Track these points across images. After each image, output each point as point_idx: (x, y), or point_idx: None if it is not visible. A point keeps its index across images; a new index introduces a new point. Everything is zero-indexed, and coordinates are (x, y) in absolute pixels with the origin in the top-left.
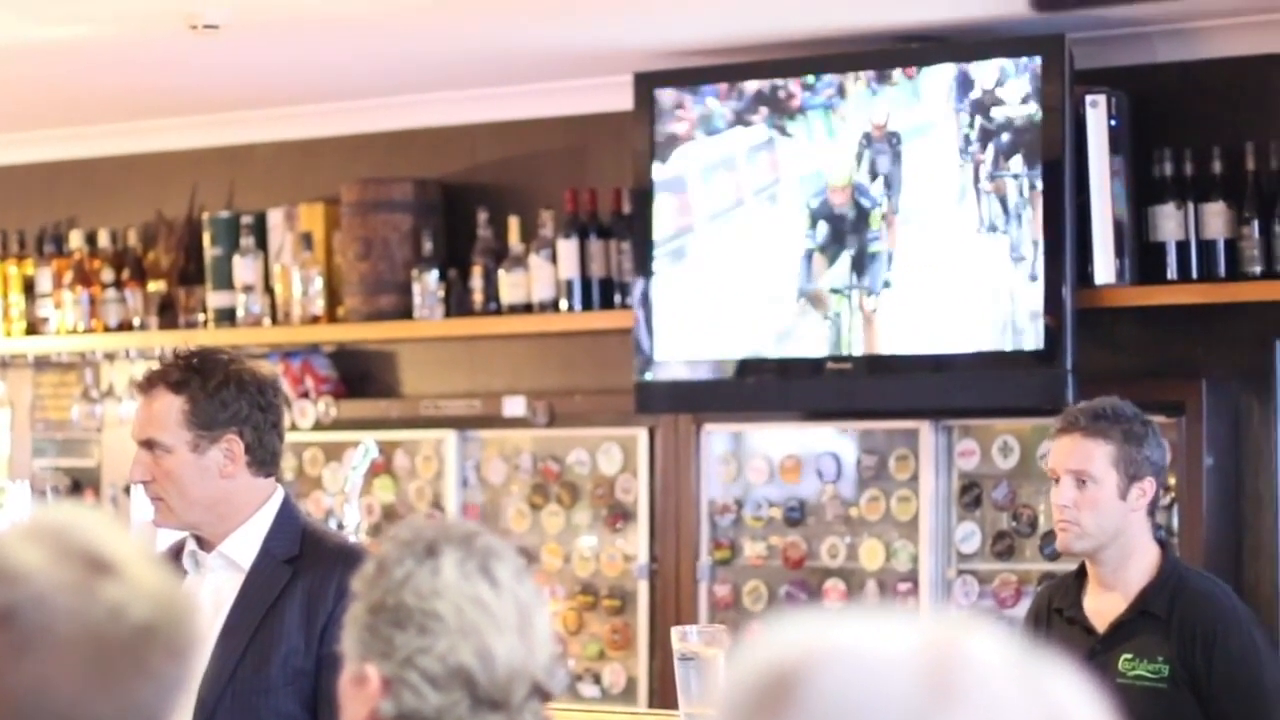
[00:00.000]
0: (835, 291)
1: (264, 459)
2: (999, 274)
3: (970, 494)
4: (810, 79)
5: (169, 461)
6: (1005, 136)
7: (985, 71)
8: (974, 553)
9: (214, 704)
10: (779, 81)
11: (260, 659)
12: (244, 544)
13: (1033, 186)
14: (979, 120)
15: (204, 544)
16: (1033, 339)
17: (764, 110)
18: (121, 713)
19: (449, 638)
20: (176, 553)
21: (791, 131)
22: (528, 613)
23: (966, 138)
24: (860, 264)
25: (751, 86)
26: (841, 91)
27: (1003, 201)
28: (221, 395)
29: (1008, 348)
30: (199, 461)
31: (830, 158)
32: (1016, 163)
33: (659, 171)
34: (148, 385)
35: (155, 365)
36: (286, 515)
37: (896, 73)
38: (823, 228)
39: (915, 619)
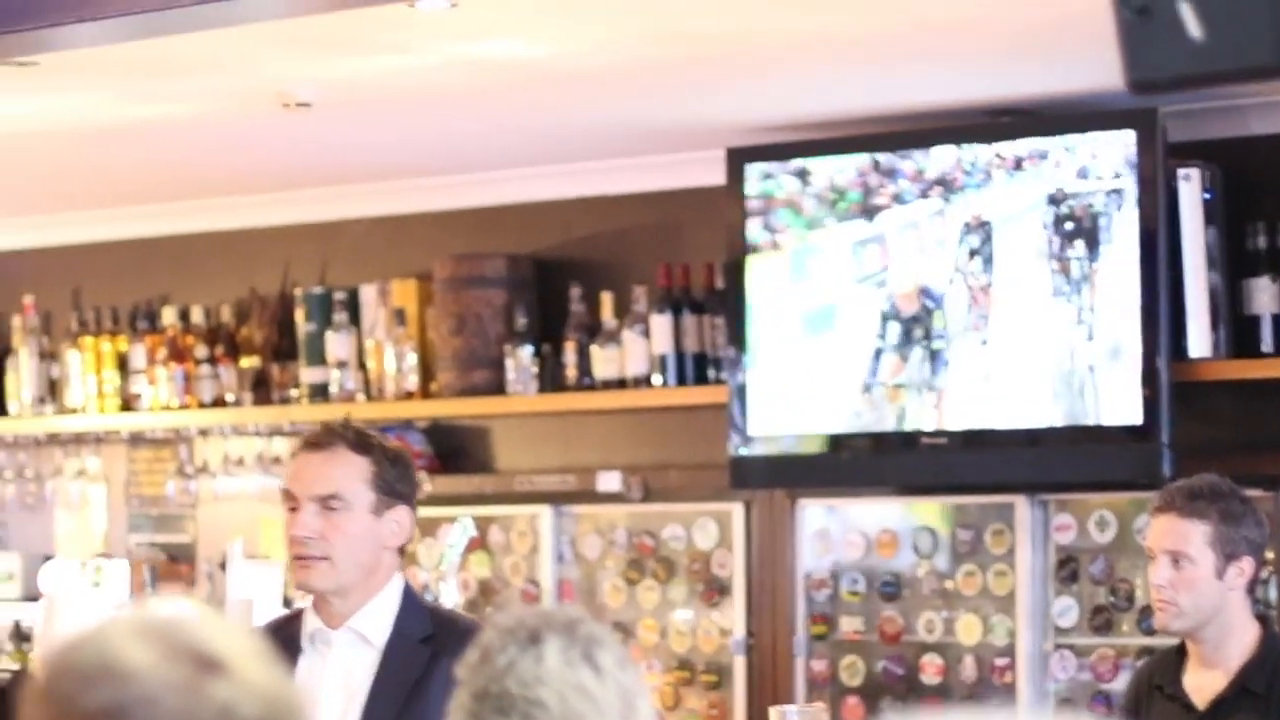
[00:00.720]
0: (899, 386)
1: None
2: (1095, 349)
3: (1067, 568)
4: (910, 165)
5: (346, 520)
6: (1100, 211)
7: (1079, 145)
8: (1071, 627)
9: None
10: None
11: None
12: (375, 620)
13: (1128, 261)
14: (1074, 195)
15: (323, 617)
16: (1129, 413)
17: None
18: None
19: None
20: (274, 632)
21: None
22: (631, 700)
23: (1061, 213)
24: (935, 354)
25: (850, 170)
26: (942, 183)
27: (1097, 277)
28: (399, 467)
29: (1105, 422)
30: (374, 525)
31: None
32: (1112, 238)
33: (754, 248)
34: (322, 443)
35: (313, 429)
36: (410, 594)
37: (989, 155)
38: (894, 328)
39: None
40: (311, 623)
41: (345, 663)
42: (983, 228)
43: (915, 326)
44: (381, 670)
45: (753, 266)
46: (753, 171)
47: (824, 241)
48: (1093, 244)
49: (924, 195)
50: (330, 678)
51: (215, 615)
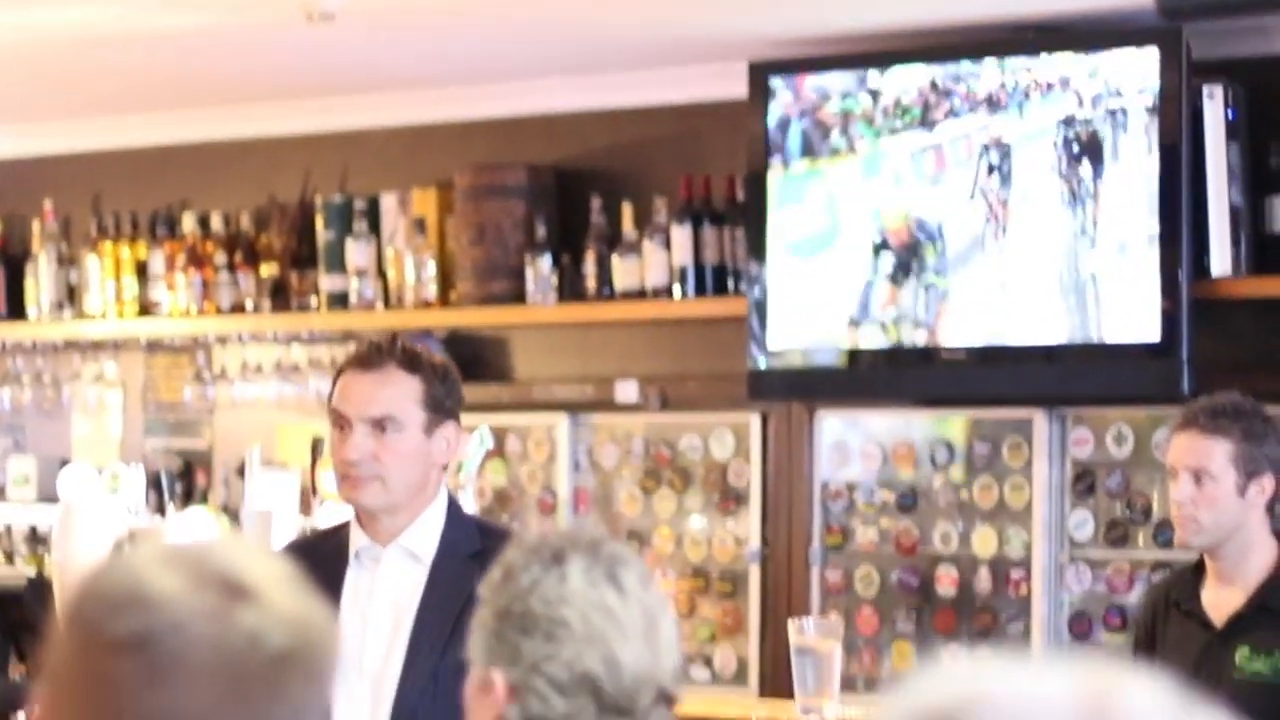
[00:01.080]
0: (913, 302)
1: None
2: (1115, 265)
3: (1084, 482)
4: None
5: (399, 441)
6: (1122, 127)
7: (1103, 62)
8: (1087, 540)
9: (416, 701)
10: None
11: (462, 658)
12: (423, 537)
13: (1149, 177)
14: (1096, 110)
15: (370, 532)
16: (1149, 330)
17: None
18: None
19: (575, 645)
20: (321, 543)
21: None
22: (654, 619)
23: (1082, 129)
24: (950, 271)
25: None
26: (963, 93)
27: (1118, 193)
28: (449, 383)
29: (1125, 338)
30: (426, 444)
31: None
32: (1133, 153)
33: (774, 159)
34: (372, 362)
35: (362, 346)
36: (455, 509)
37: (1010, 71)
38: (909, 246)
39: (1071, 664)
40: (359, 539)
41: (394, 579)
42: (1000, 145)
43: (929, 245)
44: (429, 586)
45: (773, 180)
46: (779, 85)
47: (846, 156)
48: (1111, 160)
49: (947, 113)
50: (379, 594)
51: (242, 540)
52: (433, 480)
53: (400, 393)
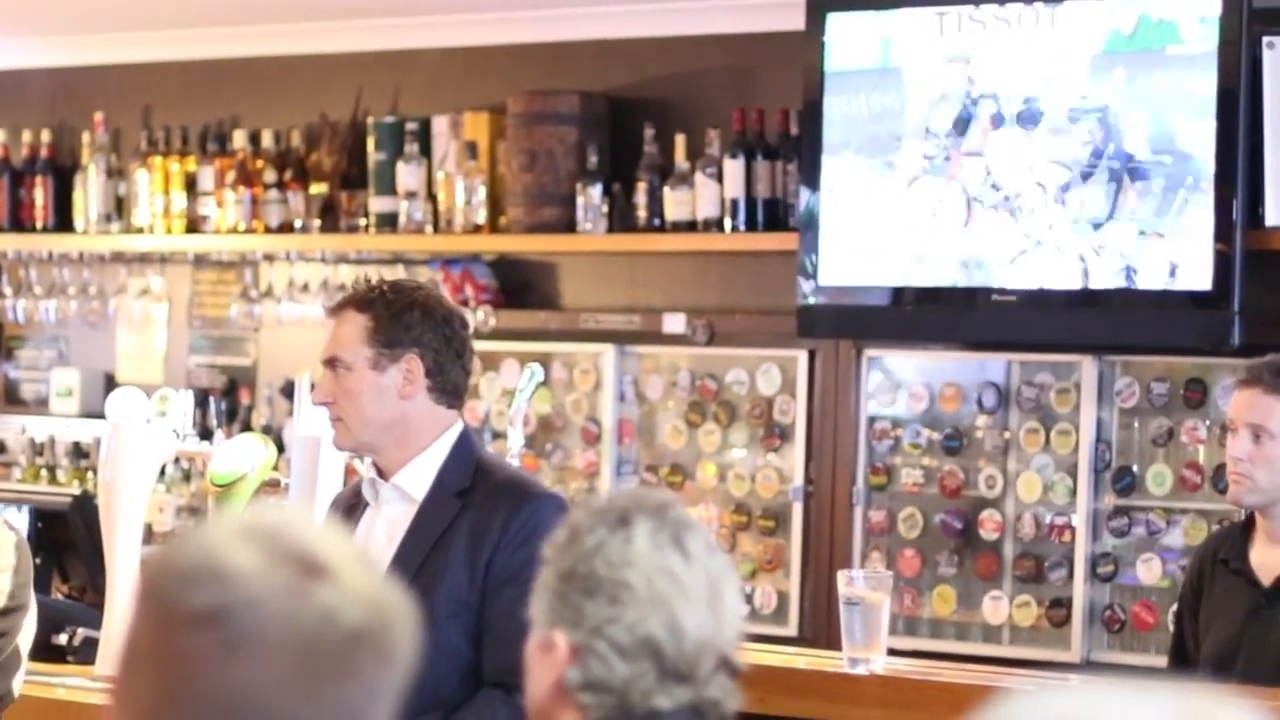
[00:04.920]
0: (969, 242)
1: (445, 387)
2: (1168, 211)
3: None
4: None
5: (349, 380)
6: (1180, 73)
7: (1162, 6)
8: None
9: None
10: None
11: (425, 591)
12: (418, 476)
13: (1207, 125)
14: (1152, 55)
15: (382, 474)
16: (1201, 278)
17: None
18: (328, 717)
19: (638, 608)
20: (353, 495)
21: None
22: (718, 586)
23: (1137, 73)
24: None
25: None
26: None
27: (1174, 139)
28: (405, 317)
29: (1177, 286)
30: (378, 380)
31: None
32: (1192, 100)
33: (829, 94)
34: (337, 308)
35: (344, 291)
36: (462, 447)
37: (1070, 6)
38: (969, 186)
39: (1168, 690)
40: (369, 473)
41: (391, 514)
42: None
43: (987, 188)
44: (415, 521)
45: (829, 115)
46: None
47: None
48: (1175, 106)
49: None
50: (378, 529)
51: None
52: (420, 414)
53: (345, 333)
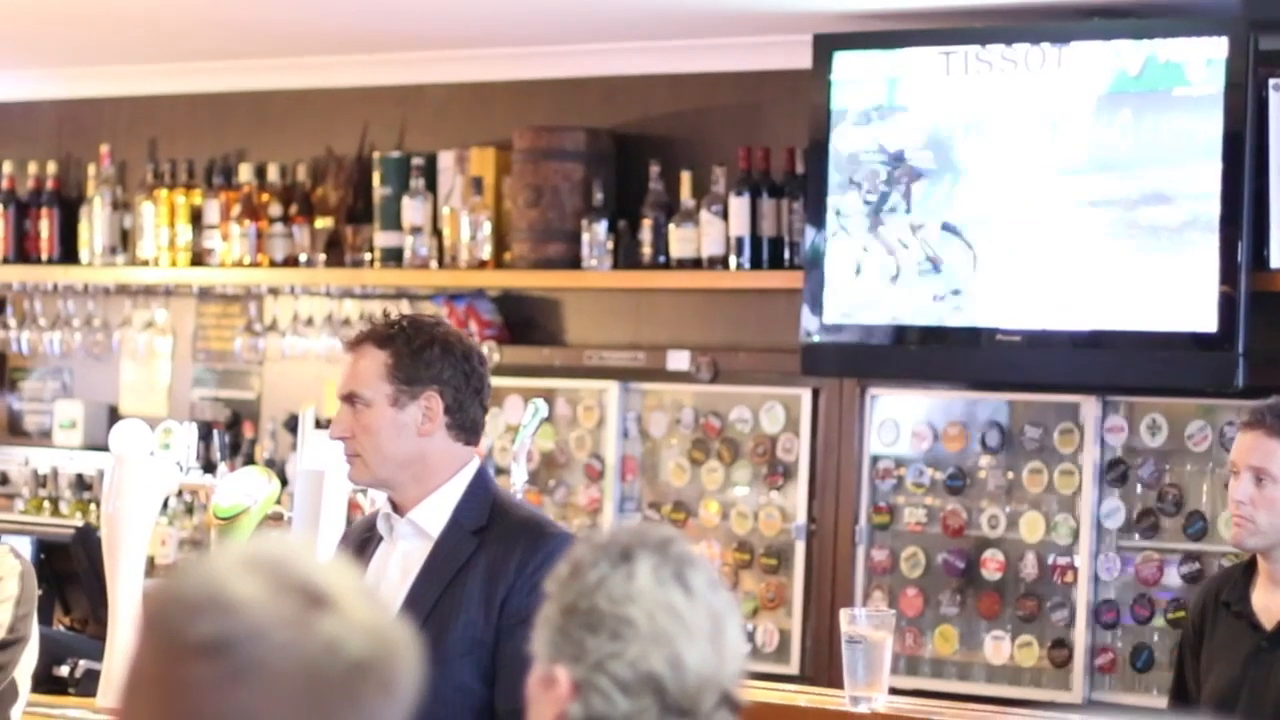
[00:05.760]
0: (970, 282)
1: (463, 424)
2: (1173, 252)
3: (1115, 470)
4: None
5: (368, 416)
6: (1186, 114)
7: (1169, 49)
8: (1118, 529)
9: None
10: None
11: (439, 629)
12: (434, 512)
13: (1212, 166)
14: (1158, 96)
15: (397, 509)
16: (1206, 320)
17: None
18: None
19: (640, 644)
20: (366, 529)
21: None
22: (720, 621)
23: (1144, 114)
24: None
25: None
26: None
27: (1179, 181)
28: (425, 354)
29: (1180, 328)
30: (397, 417)
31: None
32: (1198, 142)
33: (836, 134)
34: (356, 343)
35: (360, 327)
36: (479, 485)
37: (1077, 47)
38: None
39: None
40: (384, 508)
41: (405, 550)
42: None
43: (986, 227)
44: (430, 558)
45: (833, 154)
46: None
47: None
48: (1180, 148)
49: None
50: (392, 564)
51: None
52: (438, 451)
53: (364, 367)
